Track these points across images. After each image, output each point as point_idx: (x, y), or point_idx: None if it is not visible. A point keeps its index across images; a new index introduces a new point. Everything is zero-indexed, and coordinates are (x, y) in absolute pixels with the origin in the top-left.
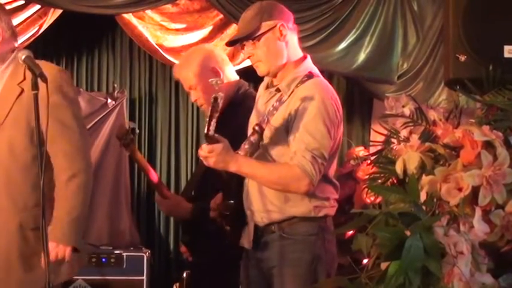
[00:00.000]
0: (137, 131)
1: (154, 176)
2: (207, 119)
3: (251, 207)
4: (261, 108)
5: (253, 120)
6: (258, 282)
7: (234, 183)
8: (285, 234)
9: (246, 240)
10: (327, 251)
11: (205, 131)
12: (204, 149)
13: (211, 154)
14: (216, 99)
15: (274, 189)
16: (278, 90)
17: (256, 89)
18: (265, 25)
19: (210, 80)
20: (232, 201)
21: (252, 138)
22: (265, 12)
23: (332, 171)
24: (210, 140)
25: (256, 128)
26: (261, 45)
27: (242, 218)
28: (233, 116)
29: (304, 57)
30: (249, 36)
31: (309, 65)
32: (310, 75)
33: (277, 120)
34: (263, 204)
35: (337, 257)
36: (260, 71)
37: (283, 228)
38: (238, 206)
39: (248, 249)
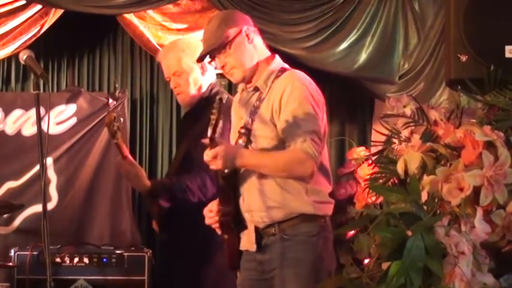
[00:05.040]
0: (121, 119)
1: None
2: (213, 122)
3: (250, 209)
4: (241, 111)
5: (236, 124)
6: (255, 286)
7: (232, 191)
8: (286, 236)
9: (248, 243)
10: (328, 250)
11: (210, 134)
12: (208, 155)
13: (218, 157)
14: (220, 100)
15: (281, 176)
16: (256, 89)
17: None
18: (232, 31)
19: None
20: (229, 207)
21: (241, 141)
22: (228, 19)
23: (324, 159)
24: (212, 142)
25: (243, 130)
26: (232, 51)
27: (240, 224)
28: (203, 114)
29: (273, 56)
30: (220, 46)
31: (280, 61)
32: (283, 70)
33: (262, 117)
34: (263, 202)
35: (335, 256)
36: (235, 78)
37: (284, 230)
38: (236, 213)
39: (248, 252)
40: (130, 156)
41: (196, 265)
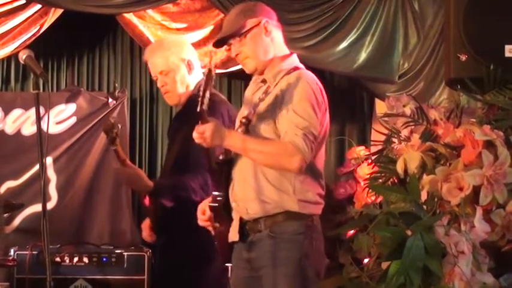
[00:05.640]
0: (119, 126)
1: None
2: (200, 93)
3: (236, 199)
4: (248, 100)
5: (241, 113)
6: (248, 283)
7: (224, 177)
8: (272, 234)
9: (233, 234)
10: (315, 250)
11: (199, 107)
12: (198, 130)
13: (206, 133)
14: (210, 71)
15: (267, 165)
16: (264, 81)
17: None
18: (251, 22)
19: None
20: (221, 193)
21: (240, 130)
22: (249, 10)
23: (320, 162)
24: (202, 117)
25: (243, 120)
26: (248, 41)
27: (230, 213)
28: (194, 114)
29: (291, 54)
30: (235, 34)
31: (295, 60)
32: (295, 68)
33: (263, 109)
34: (249, 194)
35: (325, 256)
36: (248, 67)
37: (270, 227)
38: (226, 200)
39: (237, 250)
40: (128, 160)
41: (196, 264)
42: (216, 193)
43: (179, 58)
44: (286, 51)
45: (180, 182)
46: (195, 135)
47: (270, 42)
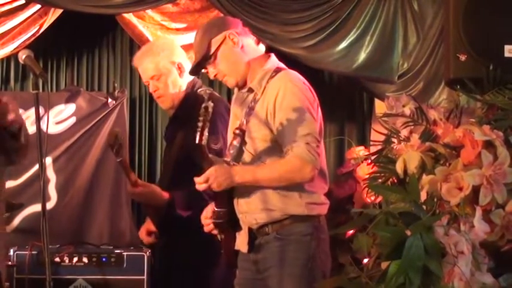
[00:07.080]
0: (122, 136)
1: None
2: (199, 130)
3: (243, 211)
4: (237, 111)
5: (232, 123)
6: (252, 285)
7: (226, 192)
8: (279, 236)
9: (241, 244)
10: (322, 251)
11: (197, 141)
12: (201, 180)
13: (210, 180)
14: (206, 108)
15: (281, 186)
16: (250, 90)
17: None
18: (215, 41)
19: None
20: (224, 209)
21: (235, 142)
22: (211, 29)
23: (320, 158)
24: (201, 151)
25: (237, 131)
26: (219, 60)
27: (236, 225)
28: (191, 116)
29: (268, 55)
30: (206, 57)
31: (275, 61)
32: (278, 70)
33: (257, 118)
34: (256, 205)
35: (330, 257)
36: (230, 84)
37: (278, 229)
38: (231, 214)
39: (243, 252)
40: (137, 178)
41: (202, 265)
42: (218, 209)
43: (170, 62)
44: (261, 51)
45: (194, 191)
46: (199, 186)
47: (241, 52)
